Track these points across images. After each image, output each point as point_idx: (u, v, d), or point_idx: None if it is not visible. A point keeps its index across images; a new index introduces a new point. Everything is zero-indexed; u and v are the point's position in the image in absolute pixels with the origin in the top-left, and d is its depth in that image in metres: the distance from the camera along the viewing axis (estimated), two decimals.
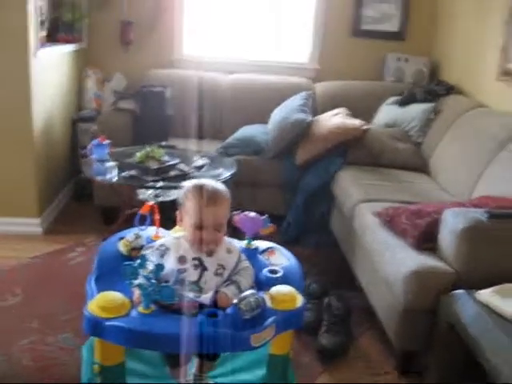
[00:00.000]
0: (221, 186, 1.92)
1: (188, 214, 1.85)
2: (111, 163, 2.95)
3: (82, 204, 4.00)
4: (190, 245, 1.87)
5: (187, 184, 1.93)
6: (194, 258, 1.85)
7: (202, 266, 1.85)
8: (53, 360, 2.31)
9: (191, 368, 2.09)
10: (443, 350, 2.13)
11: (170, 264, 1.84)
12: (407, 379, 2.34)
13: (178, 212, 1.92)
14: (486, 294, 1.98)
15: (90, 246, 3.32)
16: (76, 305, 2.55)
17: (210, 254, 1.86)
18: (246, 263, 1.96)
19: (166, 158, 2.96)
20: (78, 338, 2.40)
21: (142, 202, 2.32)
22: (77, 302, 2.53)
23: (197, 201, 1.83)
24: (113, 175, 2.88)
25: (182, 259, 1.85)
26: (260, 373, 2.08)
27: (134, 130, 3.83)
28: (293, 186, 3.57)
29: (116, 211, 3.41)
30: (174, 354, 1.96)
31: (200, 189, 1.87)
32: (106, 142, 3.09)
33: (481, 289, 2.03)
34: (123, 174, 2.88)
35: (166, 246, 1.88)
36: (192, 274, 1.85)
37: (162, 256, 1.86)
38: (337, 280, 2.92)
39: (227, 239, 1.95)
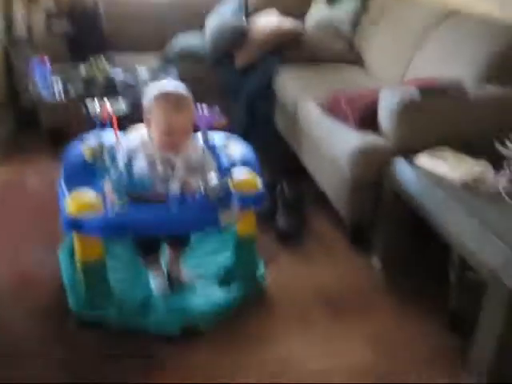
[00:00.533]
0: (184, 91, 1.99)
1: (156, 121, 1.92)
2: (56, 81, 2.94)
3: (27, 132, 3.94)
4: (157, 147, 1.97)
5: (151, 89, 1.98)
6: (161, 157, 1.97)
7: (170, 165, 1.98)
8: (31, 272, 2.39)
9: (164, 259, 2.27)
10: (389, 218, 2.37)
11: (140, 164, 1.95)
12: (358, 250, 2.58)
13: (144, 118, 1.98)
14: (421, 157, 2.20)
15: (44, 169, 3.35)
16: (42, 220, 2.67)
17: (177, 151, 1.98)
18: (208, 156, 2.10)
19: (112, 73, 3.00)
20: (50, 249, 2.48)
21: (91, 120, 2.38)
22: (42, 218, 2.65)
23: (164, 108, 1.91)
24: (60, 92, 2.90)
25: (150, 159, 1.96)
26: (228, 254, 2.28)
27: (70, 50, 3.79)
28: (235, 91, 3.68)
29: (64, 132, 3.43)
30: (146, 243, 2.13)
31: (166, 96, 1.93)
32: (47, 62, 3.09)
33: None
34: (70, 89, 2.91)
35: (133, 147, 1.97)
36: (161, 171, 1.98)
37: (130, 159, 1.96)
38: (287, 171, 3.09)
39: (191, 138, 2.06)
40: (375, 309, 2.22)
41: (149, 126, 1.97)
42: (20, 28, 4.07)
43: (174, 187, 1.97)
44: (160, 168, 1.97)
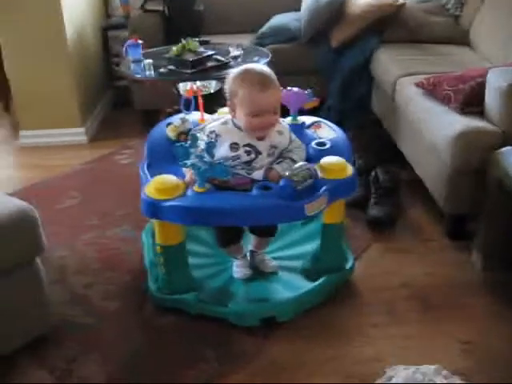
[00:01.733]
0: (267, 69, 1.88)
1: (242, 103, 1.80)
2: (148, 60, 2.94)
3: (123, 111, 4.04)
4: (239, 130, 1.86)
5: (232, 73, 1.88)
6: (245, 145, 1.86)
7: (255, 151, 1.86)
8: (115, 250, 2.43)
9: (247, 246, 2.18)
10: (493, 209, 2.15)
11: (223, 151, 1.85)
12: (457, 244, 2.38)
13: (228, 103, 1.88)
14: None
15: (136, 147, 3.38)
16: (130, 201, 2.68)
17: (262, 137, 1.87)
18: (297, 142, 1.97)
19: (201, 49, 2.94)
20: (136, 229, 2.50)
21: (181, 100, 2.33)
22: (130, 199, 2.66)
23: (250, 87, 1.79)
24: (151, 72, 2.90)
25: (234, 146, 1.85)
26: (315, 244, 2.14)
27: (165, 30, 3.79)
28: (330, 71, 3.52)
29: (156, 114, 3.43)
30: (226, 233, 2.04)
31: (250, 75, 1.82)
32: (139, 41, 3.09)
33: None
34: (161, 69, 2.89)
35: (217, 132, 1.86)
36: (245, 159, 1.87)
37: (212, 144, 1.84)
38: (382, 156, 2.92)
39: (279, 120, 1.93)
40: (471, 310, 2.03)
41: (233, 110, 1.86)
42: (117, 7, 4.13)
43: (258, 174, 1.87)
44: (243, 154, 1.86)
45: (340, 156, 1.95)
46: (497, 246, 2.18)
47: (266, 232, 2.12)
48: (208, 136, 1.87)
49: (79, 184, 3.05)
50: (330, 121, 3.32)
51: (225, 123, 1.89)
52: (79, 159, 3.34)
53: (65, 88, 3.46)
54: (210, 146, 1.80)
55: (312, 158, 1.97)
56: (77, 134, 3.57)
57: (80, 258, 2.38)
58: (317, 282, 2.02)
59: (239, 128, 1.86)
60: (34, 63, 3.40)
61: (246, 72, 1.84)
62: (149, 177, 1.96)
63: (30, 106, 3.50)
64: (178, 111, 2.37)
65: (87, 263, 2.35)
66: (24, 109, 3.52)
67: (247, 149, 1.86)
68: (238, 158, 1.86)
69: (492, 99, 2.21)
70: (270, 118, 1.82)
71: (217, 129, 1.88)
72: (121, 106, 4.09)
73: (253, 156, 1.86)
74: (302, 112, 2.23)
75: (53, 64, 3.40)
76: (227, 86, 1.87)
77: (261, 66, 1.91)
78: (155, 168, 2.01)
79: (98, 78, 4.02)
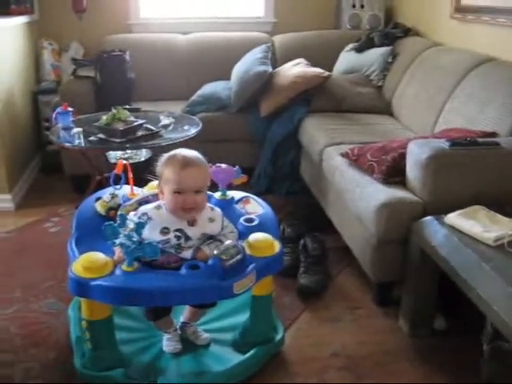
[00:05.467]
0: (195, 153, 1.91)
1: (166, 183, 1.84)
2: (77, 129, 2.93)
3: (52, 176, 3.98)
4: (171, 215, 1.87)
5: (161, 158, 1.92)
6: (176, 230, 1.86)
7: (184, 237, 1.87)
8: (39, 325, 2.34)
9: (178, 317, 2.15)
10: (416, 278, 2.21)
11: (153, 234, 1.85)
12: (385, 310, 2.43)
13: (157, 187, 1.92)
14: (453, 217, 2.06)
15: (64, 215, 3.33)
16: (56, 272, 2.62)
17: (192, 223, 1.88)
18: (230, 227, 1.98)
19: (131, 118, 2.96)
20: (61, 302, 2.43)
21: (113, 166, 2.32)
22: (57, 270, 2.60)
23: (173, 166, 1.83)
24: (80, 140, 2.88)
25: (164, 230, 1.86)
26: (245, 316, 2.14)
27: (96, 97, 3.78)
28: (260, 138, 3.61)
29: (86, 179, 3.40)
30: (155, 307, 2.00)
31: (174, 155, 1.88)
32: (69, 109, 3.09)
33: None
34: (90, 138, 2.88)
35: (149, 215, 1.87)
36: (175, 243, 1.87)
37: (141, 224, 1.83)
38: (311, 223, 2.98)
39: (209, 205, 1.96)
40: (401, 376, 2.05)
41: (162, 192, 1.89)
42: (48, 72, 4.11)
43: (187, 253, 1.88)
44: (173, 239, 1.86)
45: (267, 232, 1.98)
46: (421, 312, 2.24)
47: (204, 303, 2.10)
48: (140, 217, 1.87)
49: (2, 253, 2.94)
50: (260, 187, 3.43)
51: (158, 207, 1.90)
52: (4, 227, 3.23)
53: None
54: (140, 227, 1.80)
55: (240, 235, 1.99)
56: (3, 201, 3.47)
57: (1, 335, 2.27)
58: (246, 355, 2.00)
59: (170, 213, 1.87)
60: None
61: (173, 155, 1.89)
62: (76, 253, 1.92)
63: None
64: (108, 178, 2.36)
65: (9, 340, 2.24)
66: None
67: (177, 234, 1.86)
68: (168, 242, 1.86)
69: (413, 170, 2.31)
70: (194, 197, 1.84)
71: (149, 212, 1.88)
72: (50, 171, 4.02)
73: (182, 241, 1.87)
74: (230, 188, 2.27)
75: None
76: (156, 171, 1.91)
77: (190, 150, 1.93)
78: (83, 244, 1.97)
79: (27, 143, 3.96)
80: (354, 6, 4.44)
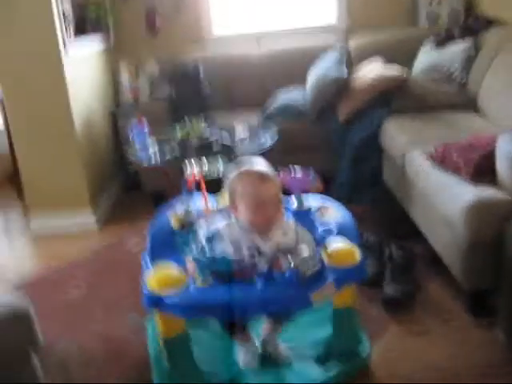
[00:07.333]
0: (264, 164, 1.89)
1: (242, 199, 1.82)
2: (153, 149, 2.93)
3: (133, 194, 4.05)
4: (243, 232, 1.84)
5: (231, 174, 1.90)
6: (249, 246, 1.83)
7: (258, 252, 1.83)
8: (121, 341, 2.34)
9: (256, 331, 2.08)
10: None
11: (224, 248, 1.82)
12: (479, 321, 2.25)
13: (229, 205, 1.89)
14: None
15: (145, 232, 3.34)
16: (139, 288, 2.60)
17: (266, 239, 1.83)
18: (306, 237, 1.92)
19: (207, 133, 2.93)
20: (144, 318, 2.40)
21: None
22: (138, 285, 2.58)
23: (250, 180, 1.82)
24: (157, 159, 2.88)
25: (237, 247, 1.83)
26: (329, 328, 2.03)
27: (172, 116, 3.81)
28: (339, 145, 3.49)
29: (165, 195, 3.42)
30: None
31: (248, 172, 1.86)
32: (145, 124, 3.09)
33: None
34: (167, 151, 2.88)
35: (221, 233, 1.85)
36: (248, 261, 1.83)
37: (212, 238, 1.84)
38: (396, 231, 2.84)
39: (283, 218, 1.91)
40: None
41: (235, 209, 1.86)
42: (126, 93, 4.19)
43: (262, 265, 1.81)
44: (246, 254, 1.82)
45: (347, 240, 1.88)
46: None
47: (279, 316, 2.03)
48: (209, 231, 1.87)
49: (86, 272, 2.99)
50: (342, 197, 3.30)
51: (229, 225, 1.88)
52: (88, 246, 3.29)
53: (74, 175, 3.46)
54: (212, 241, 1.76)
55: (318, 244, 1.90)
56: (87, 220, 3.54)
57: (84, 351, 2.29)
58: (331, 373, 1.90)
59: (243, 229, 1.84)
60: (43, 150, 3.43)
61: (244, 171, 1.87)
62: (150, 265, 1.90)
63: (40, 193, 3.50)
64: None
65: (91, 356, 2.26)
66: (34, 197, 3.52)
67: (251, 250, 1.82)
68: (242, 260, 1.82)
69: (503, 167, 2.14)
70: (273, 210, 1.81)
71: (221, 230, 1.86)
72: (132, 189, 4.09)
73: (256, 258, 1.82)
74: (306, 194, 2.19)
75: (61, 150, 3.43)
76: (227, 188, 1.89)
77: (257, 160, 1.92)
78: (157, 257, 1.95)
79: (108, 163, 4.04)
80: (430, 4, 4.25)
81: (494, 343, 2.11)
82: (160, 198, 3.60)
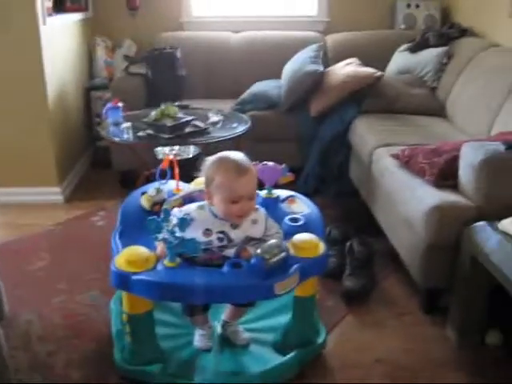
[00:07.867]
0: (242, 155, 1.87)
1: (219, 190, 1.80)
2: (126, 124, 2.96)
3: (101, 171, 4.03)
4: (214, 218, 1.85)
5: (208, 160, 1.89)
6: (218, 232, 1.85)
7: (227, 239, 1.85)
8: (82, 317, 2.36)
9: (218, 315, 2.13)
10: (466, 285, 2.12)
11: (194, 235, 1.82)
12: (432, 318, 2.34)
13: (205, 190, 1.88)
14: (507, 223, 1.96)
15: (112, 209, 3.34)
16: (101, 265, 2.62)
17: (236, 226, 1.85)
18: (274, 228, 1.94)
19: (180, 115, 2.96)
20: (105, 295, 2.44)
21: (160, 162, 2.32)
22: (102, 263, 2.59)
23: (226, 173, 1.79)
24: (129, 135, 2.90)
25: (207, 232, 1.84)
26: (288, 317, 2.09)
27: (146, 93, 3.84)
28: (309, 138, 3.55)
29: (134, 174, 3.43)
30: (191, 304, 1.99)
31: (225, 160, 1.83)
32: (120, 104, 3.11)
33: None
34: (139, 133, 2.90)
35: (191, 216, 1.85)
36: (217, 244, 1.86)
37: (184, 223, 1.82)
38: (358, 226, 2.92)
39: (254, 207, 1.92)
40: None
41: (210, 197, 1.85)
42: (101, 68, 4.17)
43: (229, 252, 1.86)
44: (216, 241, 1.85)
45: (313, 232, 1.94)
46: (470, 323, 2.15)
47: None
48: (181, 213, 1.86)
49: (49, 245, 2.99)
50: (307, 188, 3.38)
51: (201, 208, 1.88)
52: (53, 219, 3.29)
53: (43, 146, 3.43)
54: (183, 223, 1.78)
55: (285, 234, 1.95)
56: (53, 194, 3.53)
57: (45, 324, 2.30)
58: (286, 357, 1.96)
59: (215, 215, 1.85)
60: (13, 120, 3.39)
61: (222, 159, 1.85)
62: (120, 247, 1.93)
63: (6, 163, 3.47)
64: (155, 174, 2.36)
65: (52, 329, 2.27)
66: (1, 166, 3.48)
67: (220, 236, 1.85)
68: (210, 244, 1.85)
69: (466, 174, 2.22)
70: (248, 203, 1.82)
71: (192, 212, 1.87)
72: (100, 166, 4.08)
73: (225, 243, 1.85)
74: (277, 186, 2.24)
75: (32, 121, 3.39)
76: (203, 174, 1.87)
77: (236, 153, 1.89)
78: (127, 238, 1.98)
79: (78, 137, 4.03)
80: (408, 6, 4.35)
81: (446, 340, 2.20)
82: (128, 177, 3.62)
